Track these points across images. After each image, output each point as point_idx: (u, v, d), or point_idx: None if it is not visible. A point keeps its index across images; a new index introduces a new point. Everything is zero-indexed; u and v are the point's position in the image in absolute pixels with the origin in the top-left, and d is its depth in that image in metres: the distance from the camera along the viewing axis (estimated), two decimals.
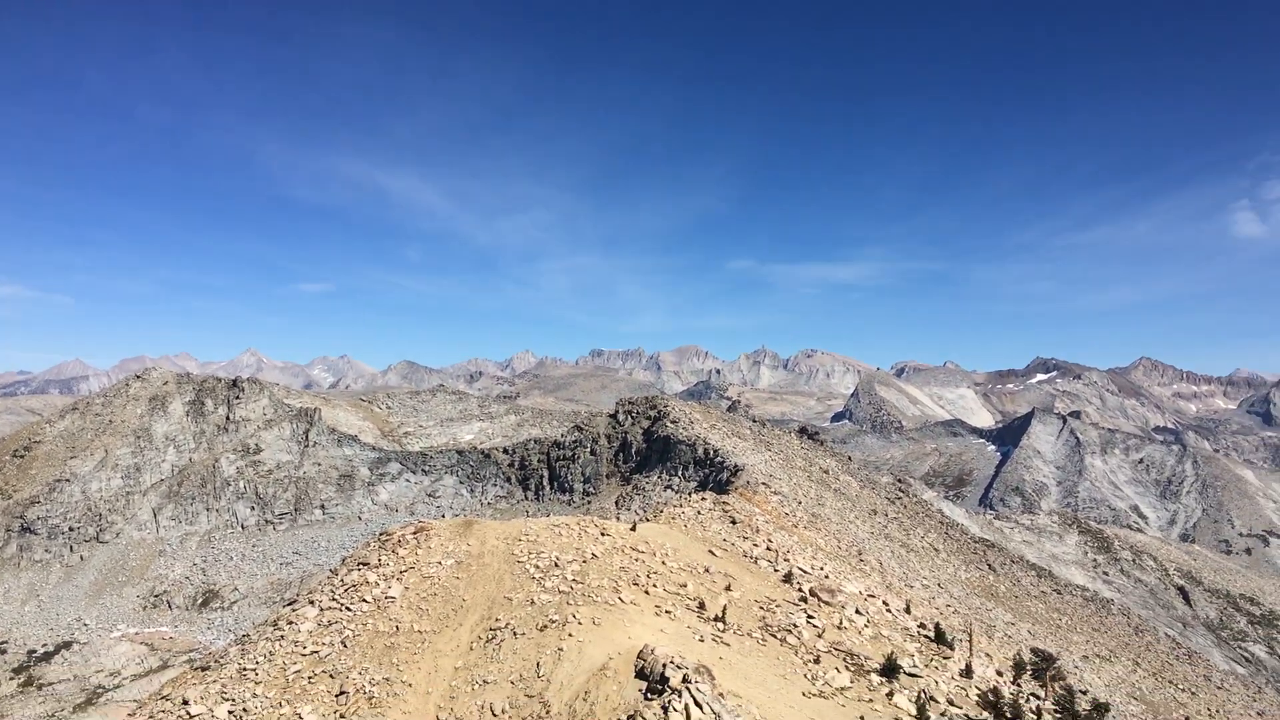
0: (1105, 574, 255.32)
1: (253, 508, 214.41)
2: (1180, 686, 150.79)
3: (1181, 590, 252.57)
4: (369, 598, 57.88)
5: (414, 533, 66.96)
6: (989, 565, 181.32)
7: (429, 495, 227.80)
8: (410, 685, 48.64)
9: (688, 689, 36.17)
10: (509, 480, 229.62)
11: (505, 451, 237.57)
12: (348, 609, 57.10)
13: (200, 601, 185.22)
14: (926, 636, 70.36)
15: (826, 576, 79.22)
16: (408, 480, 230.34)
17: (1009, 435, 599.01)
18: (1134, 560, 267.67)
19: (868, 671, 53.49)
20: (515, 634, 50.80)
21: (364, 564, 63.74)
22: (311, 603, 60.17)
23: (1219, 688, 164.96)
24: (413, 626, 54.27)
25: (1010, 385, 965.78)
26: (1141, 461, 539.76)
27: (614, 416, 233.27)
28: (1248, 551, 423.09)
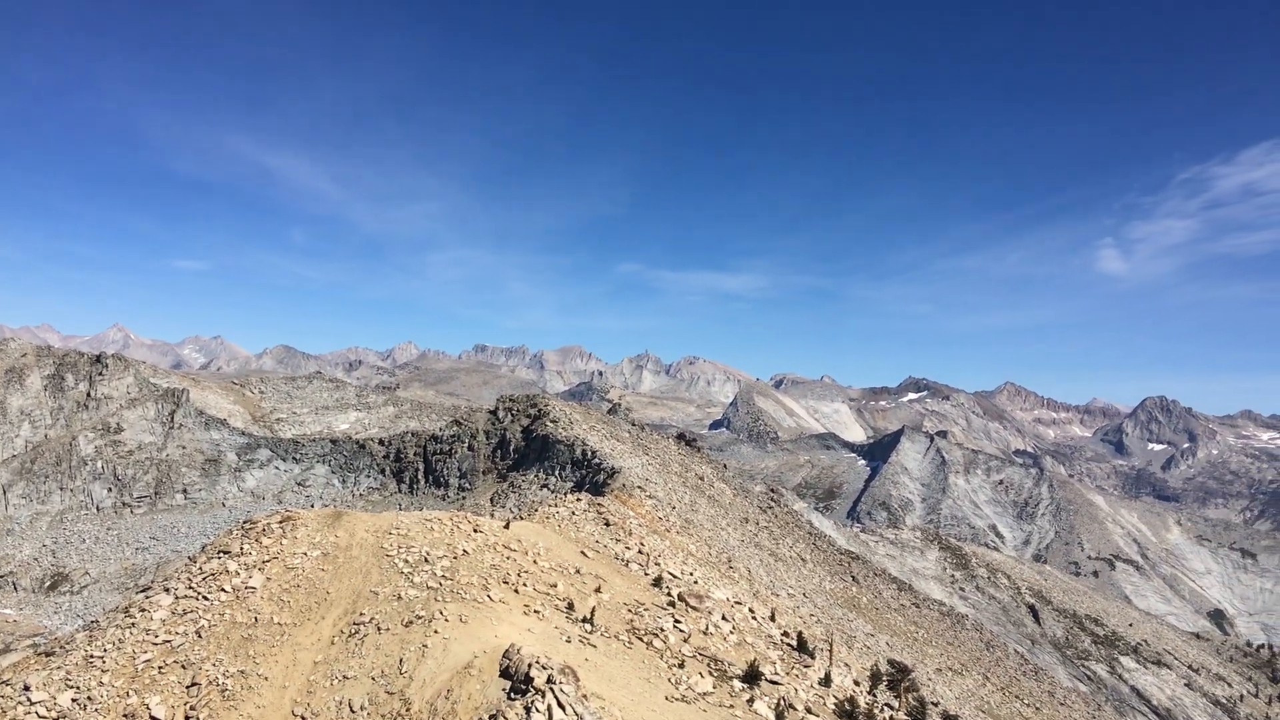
0: (962, 590, 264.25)
1: (110, 489, 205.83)
2: (1026, 701, 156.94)
3: (1032, 609, 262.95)
4: (228, 587, 56.09)
5: (280, 522, 65.19)
6: (853, 577, 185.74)
7: (299, 484, 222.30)
8: (266, 679, 47.31)
9: (552, 690, 36.07)
10: (383, 472, 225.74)
11: (381, 443, 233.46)
12: (205, 598, 55.24)
13: (48, 584, 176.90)
14: (789, 645, 71.69)
15: (696, 582, 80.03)
16: (277, 468, 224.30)
17: (879, 451, 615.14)
18: (989, 578, 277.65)
19: (730, 678, 54.21)
20: (379, 629, 49.90)
21: (225, 552, 61.75)
22: (166, 590, 58.02)
23: (1061, 704, 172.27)
24: (272, 618, 52.81)
25: (883, 402, 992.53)
26: (1001, 483, 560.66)
27: (494, 413, 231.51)
28: (1095, 574, 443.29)
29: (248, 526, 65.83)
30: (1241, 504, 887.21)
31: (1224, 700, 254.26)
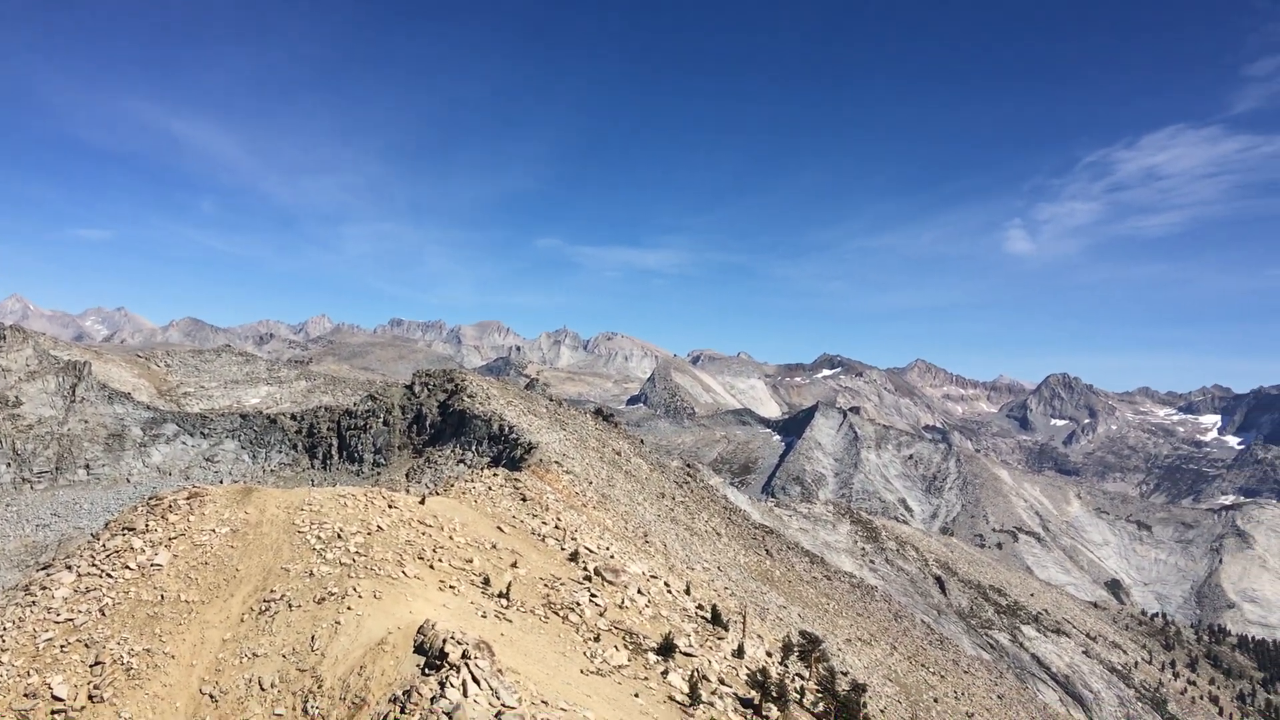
0: (872, 562, 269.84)
1: (8, 464, 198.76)
2: (931, 670, 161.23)
3: (939, 580, 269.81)
4: (133, 564, 54.72)
5: (187, 498, 63.74)
6: (767, 551, 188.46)
7: (207, 460, 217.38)
8: (173, 657, 46.35)
9: (466, 665, 35.99)
10: (295, 448, 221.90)
11: (293, 418, 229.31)
12: (109, 575, 53.82)
13: None
14: (704, 618, 72.54)
15: (612, 556, 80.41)
16: (184, 443, 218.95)
17: (794, 427, 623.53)
18: (898, 550, 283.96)
19: (645, 650, 54.70)
20: (291, 606, 49.20)
21: (129, 529, 60.20)
22: (69, 568, 56.40)
23: (966, 672, 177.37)
24: (180, 596, 51.69)
25: (798, 379, 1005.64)
26: (911, 458, 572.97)
27: (410, 388, 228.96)
28: (999, 546, 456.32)
29: (153, 503, 64.25)
30: (1138, 478, 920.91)
31: (1119, 667, 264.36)
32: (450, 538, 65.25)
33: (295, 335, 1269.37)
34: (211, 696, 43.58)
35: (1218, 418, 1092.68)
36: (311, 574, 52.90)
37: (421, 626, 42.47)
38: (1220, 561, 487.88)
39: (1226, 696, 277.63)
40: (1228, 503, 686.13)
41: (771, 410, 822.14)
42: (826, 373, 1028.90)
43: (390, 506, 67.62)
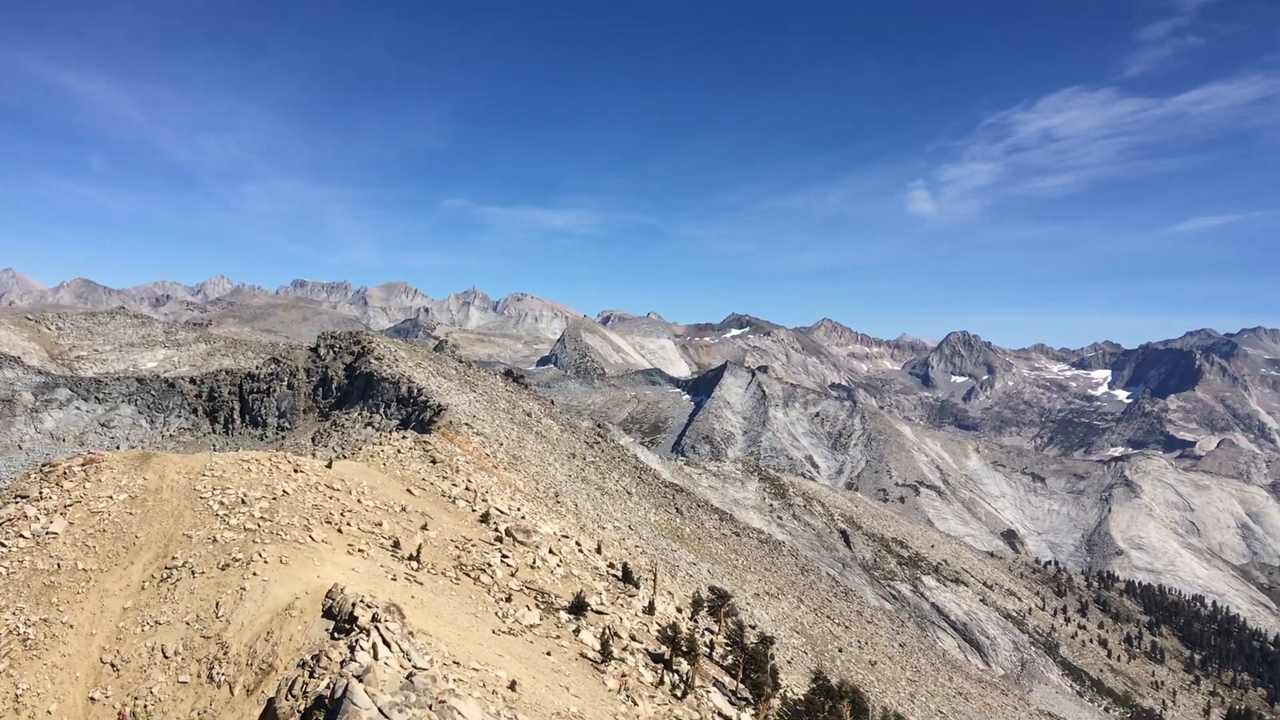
0: (780, 518, 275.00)
1: None
2: (836, 621, 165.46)
3: (844, 534, 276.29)
4: (27, 533, 53.03)
5: (82, 464, 61.86)
6: (677, 509, 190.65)
7: (102, 425, 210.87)
8: (72, 627, 45.19)
9: (376, 628, 35.83)
10: (195, 412, 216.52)
11: (193, 381, 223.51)
12: (1, 545, 52.12)
13: None
14: (615, 576, 73.31)
15: (523, 517, 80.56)
16: (78, 408, 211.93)
17: (703, 386, 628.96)
18: (805, 506, 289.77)
19: (557, 609, 55.11)
20: (194, 573, 48.28)
21: (22, 497, 58.26)
22: None
23: (869, 622, 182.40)
24: (77, 564, 50.30)
25: (707, 339, 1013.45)
26: (818, 415, 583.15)
27: (315, 350, 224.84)
28: (901, 500, 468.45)
29: (47, 469, 62.22)
30: (1033, 431, 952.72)
31: (1014, 614, 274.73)
32: (359, 501, 64.63)
33: (193, 297, 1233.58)
34: (113, 665, 42.68)
35: (1108, 373, 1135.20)
36: (215, 540, 51.92)
37: (330, 590, 42.11)
38: (1109, 511, 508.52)
39: (1115, 639, 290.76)
40: (1117, 454, 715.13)
41: (681, 370, 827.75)
42: (735, 332, 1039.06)
43: (296, 471, 66.59)
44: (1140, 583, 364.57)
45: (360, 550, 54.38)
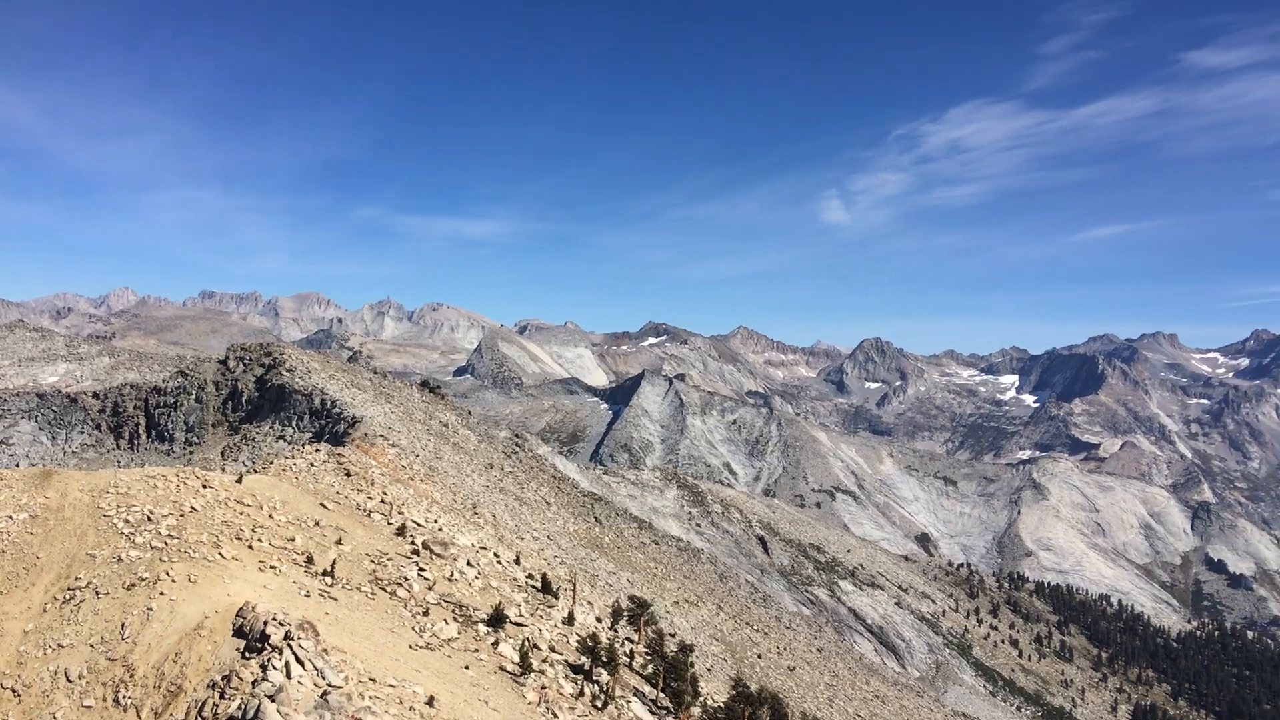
0: (698, 526, 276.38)
1: None
2: (755, 627, 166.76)
3: (762, 540, 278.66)
4: None
5: None
6: (596, 518, 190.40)
7: (0, 443, 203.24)
8: None
9: (289, 646, 35.15)
10: (99, 428, 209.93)
11: (96, 396, 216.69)
12: None
13: None
14: (534, 587, 72.96)
15: (440, 529, 79.77)
16: None
17: (621, 395, 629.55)
18: (723, 513, 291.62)
19: (475, 622, 54.66)
20: (98, 594, 46.81)
21: None
22: None
23: (787, 628, 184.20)
24: None
25: (624, 347, 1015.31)
26: (735, 423, 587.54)
27: (224, 362, 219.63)
28: (818, 505, 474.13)
29: None
30: (945, 436, 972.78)
31: (929, 616, 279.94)
32: (270, 517, 63.33)
33: (96, 309, 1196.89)
34: (14, 691, 41.18)
35: (1015, 378, 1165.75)
36: (120, 559, 50.41)
37: (241, 609, 41.18)
38: (1018, 513, 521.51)
39: (1025, 639, 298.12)
40: (1024, 457, 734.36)
41: (599, 379, 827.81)
42: (652, 341, 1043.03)
43: (205, 486, 65.03)
44: (1049, 583, 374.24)
45: (272, 567, 53.27)
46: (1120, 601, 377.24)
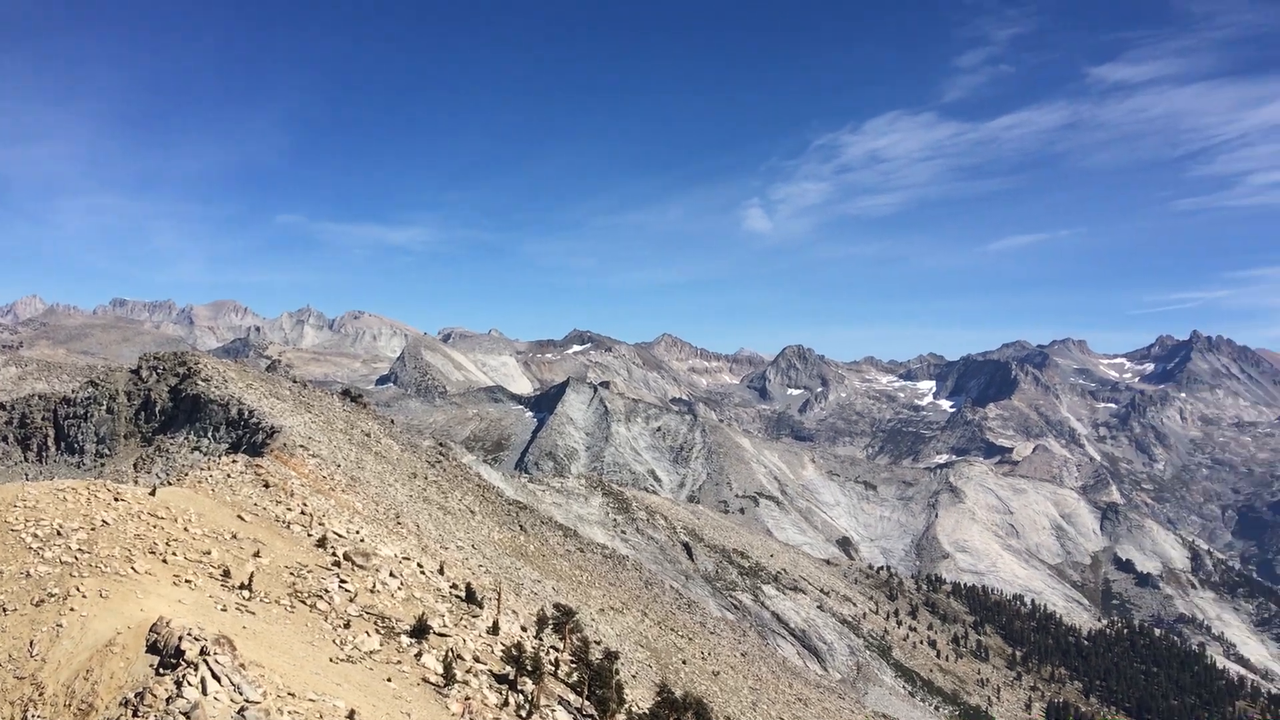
0: (623, 532, 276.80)
1: None
2: (680, 633, 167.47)
3: (686, 546, 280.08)
4: None
5: None
6: (521, 526, 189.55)
7: None
8: None
9: (205, 661, 34.52)
10: (5, 440, 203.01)
11: (2, 408, 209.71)
12: None
13: None
14: (458, 597, 72.46)
15: (362, 540, 78.83)
16: None
17: (545, 402, 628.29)
18: (648, 520, 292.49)
19: (398, 634, 54.14)
20: (5, 611, 45.40)
21: None
22: None
23: (712, 633, 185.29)
24: None
25: (549, 355, 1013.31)
26: (659, 429, 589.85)
27: (137, 372, 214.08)
28: (742, 511, 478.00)
29: None
30: (865, 441, 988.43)
31: (850, 619, 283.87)
32: (185, 529, 61.99)
33: (2, 318, 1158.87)
34: None
35: (933, 383, 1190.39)
36: (28, 575, 48.94)
37: (155, 624, 40.30)
38: (936, 516, 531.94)
39: (943, 640, 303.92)
40: (942, 461, 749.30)
41: (523, 387, 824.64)
42: (577, 348, 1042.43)
43: (116, 499, 63.41)
44: (965, 584, 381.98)
45: (187, 581, 52.16)
46: (1033, 601, 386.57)
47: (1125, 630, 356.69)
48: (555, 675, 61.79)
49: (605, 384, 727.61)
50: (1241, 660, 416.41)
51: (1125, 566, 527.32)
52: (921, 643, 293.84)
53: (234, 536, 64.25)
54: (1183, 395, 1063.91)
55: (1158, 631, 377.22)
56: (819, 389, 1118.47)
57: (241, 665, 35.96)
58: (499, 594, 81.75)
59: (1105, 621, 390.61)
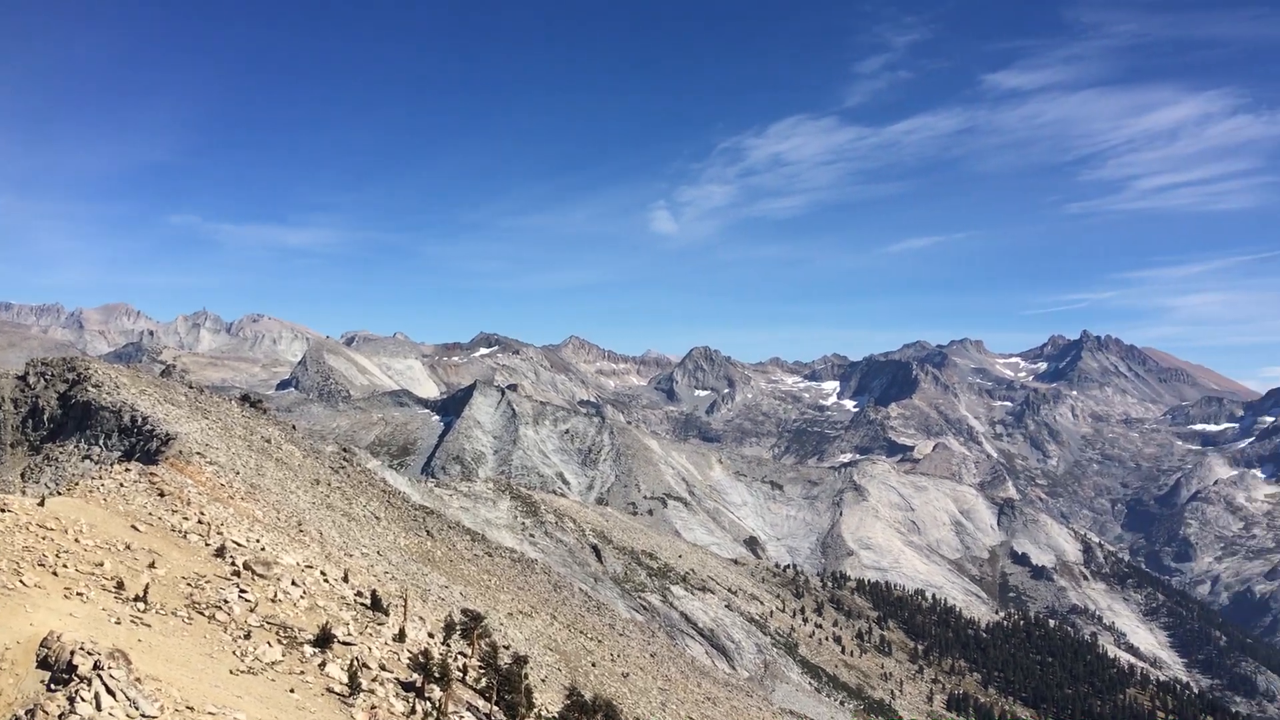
0: (532, 536, 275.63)
1: None
2: (590, 636, 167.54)
3: (595, 549, 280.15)
4: None
5: None
6: (428, 531, 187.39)
7: None
8: None
9: (99, 676, 33.47)
10: None
11: None
12: None
13: None
14: (363, 604, 71.44)
15: (263, 549, 77.17)
16: None
17: (452, 406, 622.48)
18: (557, 523, 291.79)
19: (301, 644, 53.17)
20: None
21: None
22: None
23: (621, 635, 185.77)
24: None
25: (455, 358, 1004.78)
26: (568, 432, 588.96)
27: (23, 378, 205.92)
28: (650, 512, 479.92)
29: None
30: (771, 441, 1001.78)
31: (757, 617, 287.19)
32: (76, 541, 59.93)
33: None
34: None
35: (836, 384, 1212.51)
36: None
37: (45, 639, 38.93)
38: (840, 514, 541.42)
39: (848, 636, 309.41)
40: (846, 460, 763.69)
41: (429, 390, 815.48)
42: (484, 351, 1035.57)
43: (3, 510, 61.02)
44: (869, 580, 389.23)
45: (79, 594, 50.46)
46: (934, 596, 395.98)
47: (1021, 622, 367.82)
48: (464, 682, 61.38)
49: (513, 387, 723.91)
50: (1131, 649, 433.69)
51: (1021, 560, 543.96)
52: (827, 639, 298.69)
53: (128, 547, 62.37)
54: (1074, 393, 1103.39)
55: (1052, 622, 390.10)
56: (726, 390, 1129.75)
57: (137, 679, 34.99)
58: (405, 601, 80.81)
59: (1002, 614, 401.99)
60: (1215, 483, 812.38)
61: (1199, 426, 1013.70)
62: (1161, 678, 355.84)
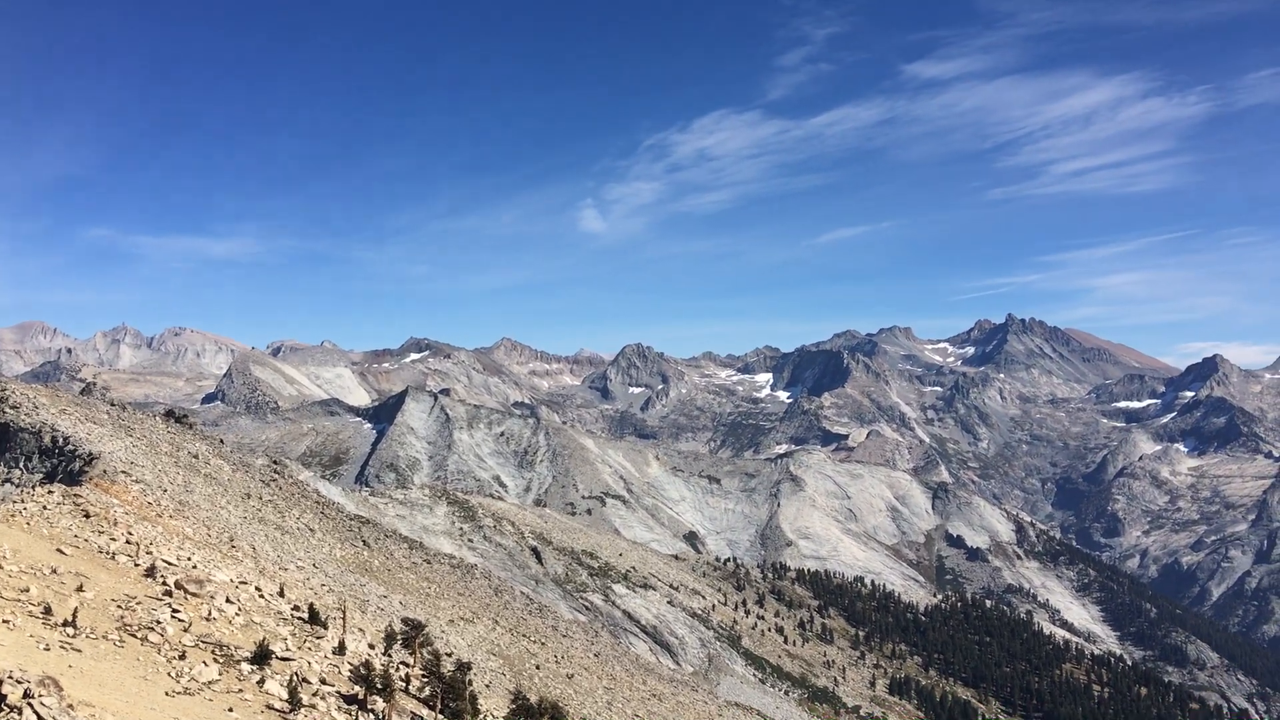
0: (470, 541, 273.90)
1: None
2: (532, 639, 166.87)
3: (535, 551, 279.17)
4: None
5: None
6: (364, 541, 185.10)
7: None
8: None
9: (29, 704, 32.53)
10: None
11: None
12: None
13: None
14: (300, 618, 70.36)
15: (195, 567, 75.58)
16: None
17: (384, 413, 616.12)
18: (495, 526, 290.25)
19: (238, 661, 52.19)
20: None
21: None
22: None
23: (564, 636, 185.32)
24: None
25: (386, 364, 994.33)
26: (503, 435, 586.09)
27: None
28: (589, 512, 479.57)
29: None
30: (707, 435, 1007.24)
31: (700, 611, 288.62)
32: (0, 567, 58.21)
33: None
34: None
35: (770, 375, 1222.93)
36: None
37: None
38: (778, 505, 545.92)
39: (790, 626, 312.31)
40: (781, 451, 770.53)
41: (360, 398, 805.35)
42: (415, 356, 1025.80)
43: None
44: (809, 570, 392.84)
45: (5, 621, 48.97)
46: (873, 582, 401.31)
47: (959, 604, 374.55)
48: (406, 691, 60.82)
49: (445, 391, 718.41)
50: (1066, 625, 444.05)
51: (956, 542, 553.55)
52: (769, 630, 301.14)
53: (54, 571, 60.68)
54: (1001, 376, 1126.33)
55: (988, 602, 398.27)
56: (660, 386, 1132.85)
57: (70, 706, 34.07)
58: (344, 613, 79.80)
59: (940, 596, 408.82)
60: (1140, 458, 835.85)
61: (1123, 404, 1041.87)
62: (1096, 651, 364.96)
